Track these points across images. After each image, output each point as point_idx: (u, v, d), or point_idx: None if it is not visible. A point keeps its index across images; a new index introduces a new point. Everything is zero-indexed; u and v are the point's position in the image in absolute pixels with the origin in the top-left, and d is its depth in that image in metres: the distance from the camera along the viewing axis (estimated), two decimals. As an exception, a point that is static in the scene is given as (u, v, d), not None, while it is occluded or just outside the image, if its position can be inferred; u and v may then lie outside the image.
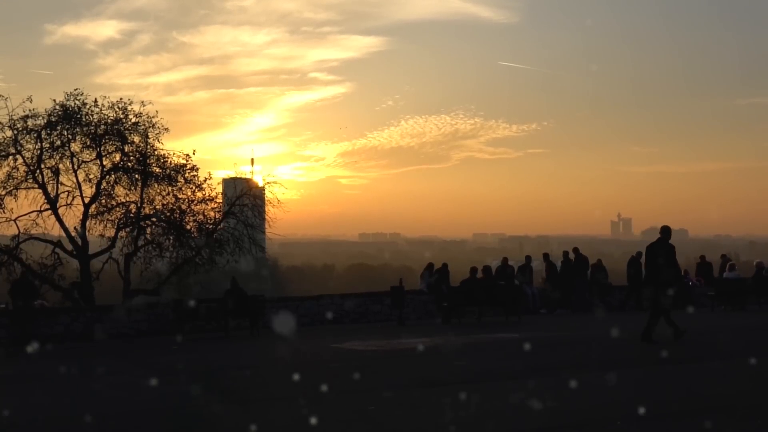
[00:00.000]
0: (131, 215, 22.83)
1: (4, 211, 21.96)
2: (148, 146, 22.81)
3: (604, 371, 10.70)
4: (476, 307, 21.00)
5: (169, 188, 22.90)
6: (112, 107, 22.55)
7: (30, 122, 21.90)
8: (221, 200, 24.46)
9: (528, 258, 25.38)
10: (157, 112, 23.38)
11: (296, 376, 10.87)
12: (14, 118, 21.76)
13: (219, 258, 23.21)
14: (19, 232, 22.13)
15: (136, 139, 22.81)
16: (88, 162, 22.62)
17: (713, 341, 14.75)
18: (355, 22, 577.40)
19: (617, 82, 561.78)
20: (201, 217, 23.31)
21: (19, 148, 21.97)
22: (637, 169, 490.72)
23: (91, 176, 22.61)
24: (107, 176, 22.64)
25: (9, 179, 21.93)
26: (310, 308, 21.89)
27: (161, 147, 22.98)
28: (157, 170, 22.76)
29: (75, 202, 22.58)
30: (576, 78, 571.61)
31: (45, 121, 21.97)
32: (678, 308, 22.74)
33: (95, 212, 22.62)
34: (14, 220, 22.15)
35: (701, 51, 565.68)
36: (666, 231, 14.19)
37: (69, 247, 22.40)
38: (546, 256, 25.66)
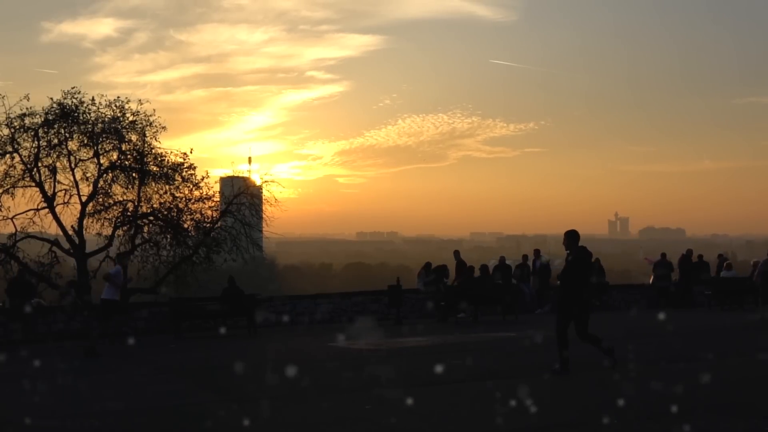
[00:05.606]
0: (128, 214, 22.80)
1: (1, 210, 21.92)
2: (146, 145, 22.77)
3: (600, 369, 10.73)
4: (473, 305, 21.00)
5: (167, 187, 22.86)
6: (109, 105, 22.48)
7: (27, 120, 21.82)
8: (218, 199, 24.39)
9: (525, 257, 25.38)
10: (154, 110, 23.31)
11: (293, 375, 10.87)
12: (11, 116, 21.67)
13: (216, 257, 23.18)
14: (16, 230, 22.05)
15: (134, 137, 22.75)
16: (85, 160, 22.54)
17: (709, 339, 14.76)
18: (352, 21, 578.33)
19: (615, 81, 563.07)
20: (198, 215, 23.27)
21: (16, 146, 21.89)
22: (634, 168, 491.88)
23: (89, 175, 22.54)
24: (104, 175, 22.59)
25: (6, 177, 21.83)
26: (307, 307, 21.93)
27: (158, 145, 22.96)
28: (155, 169, 22.71)
29: (72, 201, 22.49)
30: (573, 77, 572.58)
31: (42, 120, 21.89)
32: (674, 307, 22.95)
33: (92, 211, 22.54)
34: (11, 219, 22.08)
35: (698, 50, 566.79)
36: None
37: (66, 245, 22.36)
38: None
